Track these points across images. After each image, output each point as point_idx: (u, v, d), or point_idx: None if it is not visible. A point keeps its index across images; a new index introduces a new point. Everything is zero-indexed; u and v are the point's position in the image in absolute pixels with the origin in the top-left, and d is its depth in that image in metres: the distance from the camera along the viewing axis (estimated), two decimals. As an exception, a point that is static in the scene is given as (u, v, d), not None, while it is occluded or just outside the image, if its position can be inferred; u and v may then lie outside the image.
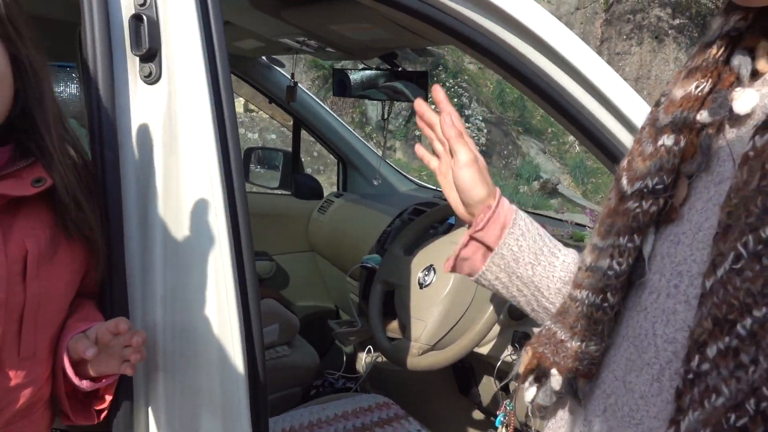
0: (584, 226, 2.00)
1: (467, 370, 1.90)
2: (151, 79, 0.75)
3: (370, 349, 2.05)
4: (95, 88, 0.73)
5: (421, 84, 1.82)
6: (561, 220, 2.08)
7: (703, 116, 0.56)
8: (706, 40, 0.58)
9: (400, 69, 1.85)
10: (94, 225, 0.72)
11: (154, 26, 0.75)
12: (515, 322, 1.52)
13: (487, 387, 1.85)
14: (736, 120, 0.54)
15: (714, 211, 0.51)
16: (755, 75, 0.55)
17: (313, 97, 2.59)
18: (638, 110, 1.10)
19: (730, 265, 0.47)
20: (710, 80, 0.56)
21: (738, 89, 0.55)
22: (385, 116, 1.94)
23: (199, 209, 0.77)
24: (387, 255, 1.75)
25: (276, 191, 2.66)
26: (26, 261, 0.67)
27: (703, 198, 0.54)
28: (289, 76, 2.33)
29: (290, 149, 2.72)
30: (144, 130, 0.75)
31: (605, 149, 1.13)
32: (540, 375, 0.69)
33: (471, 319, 1.47)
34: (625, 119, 1.10)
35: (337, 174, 2.87)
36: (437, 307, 1.48)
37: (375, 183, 2.23)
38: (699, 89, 0.56)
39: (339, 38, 1.57)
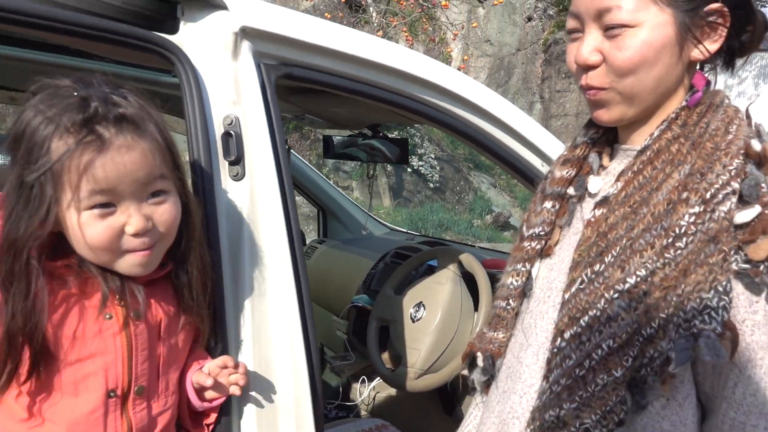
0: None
1: (450, 392, 2.18)
2: (237, 177, 1.04)
3: (364, 379, 2.30)
4: (200, 184, 1.01)
5: (402, 147, 2.14)
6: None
7: (570, 191, 0.91)
8: (574, 143, 0.94)
9: (381, 135, 2.16)
10: (204, 310, 0.96)
11: (239, 140, 1.03)
12: (492, 346, 1.82)
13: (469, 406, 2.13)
14: (590, 195, 0.89)
15: (572, 252, 0.84)
16: (603, 167, 0.90)
17: (296, 155, 2.88)
18: (551, 146, 1.47)
19: (577, 285, 0.80)
20: (575, 168, 0.92)
21: (591, 176, 0.90)
22: (370, 174, 2.24)
23: (275, 269, 1.05)
24: (379, 296, 2.03)
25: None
26: (161, 326, 0.92)
27: (567, 242, 0.88)
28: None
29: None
30: (233, 213, 1.03)
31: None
32: (473, 359, 1.01)
33: (457, 345, 1.75)
34: (542, 154, 1.46)
35: (318, 222, 3.14)
36: (429, 337, 1.76)
37: (363, 233, 2.52)
38: (568, 174, 0.92)
39: (334, 115, 1.87)
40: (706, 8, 0.78)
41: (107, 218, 0.82)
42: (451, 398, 2.19)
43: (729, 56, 0.86)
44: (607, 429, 0.75)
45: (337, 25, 1.18)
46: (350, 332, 2.38)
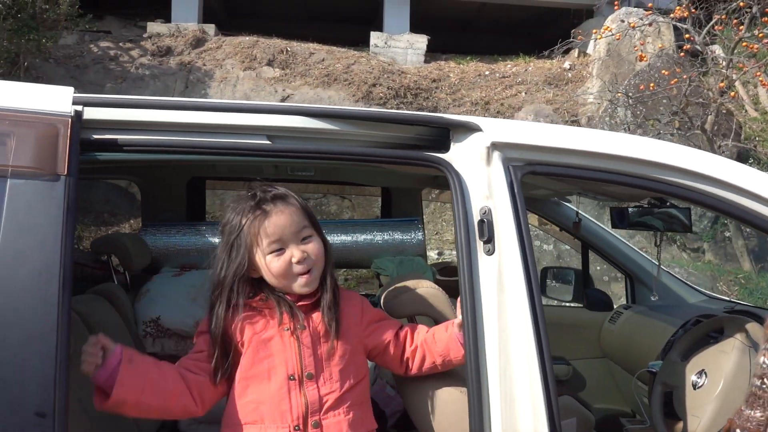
0: None
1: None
2: (489, 253, 1.39)
3: (659, 446, 2.29)
4: (463, 257, 1.39)
5: (685, 215, 2.17)
6: None
7: None
8: None
9: (668, 204, 2.23)
10: (333, 318, 1.40)
11: (490, 225, 1.39)
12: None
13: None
14: None
15: None
16: None
17: (597, 222, 3.05)
18: None
19: None
20: None
21: None
22: (658, 243, 2.31)
23: (517, 323, 1.35)
24: (666, 360, 2.07)
25: (569, 304, 3.14)
26: (320, 334, 1.40)
27: None
28: (574, 208, 2.87)
29: (580, 267, 3.19)
30: (487, 280, 1.38)
31: None
32: None
33: (742, 418, 1.70)
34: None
35: (626, 288, 3.21)
36: (710, 406, 1.75)
37: (653, 299, 2.55)
38: None
39: (609, 192, 2.07)
40: None
41: (281, 256, 1.37)
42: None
43: None
44: None
45: (568, 127, 1.46)
46: (648, 397, 2.40)
